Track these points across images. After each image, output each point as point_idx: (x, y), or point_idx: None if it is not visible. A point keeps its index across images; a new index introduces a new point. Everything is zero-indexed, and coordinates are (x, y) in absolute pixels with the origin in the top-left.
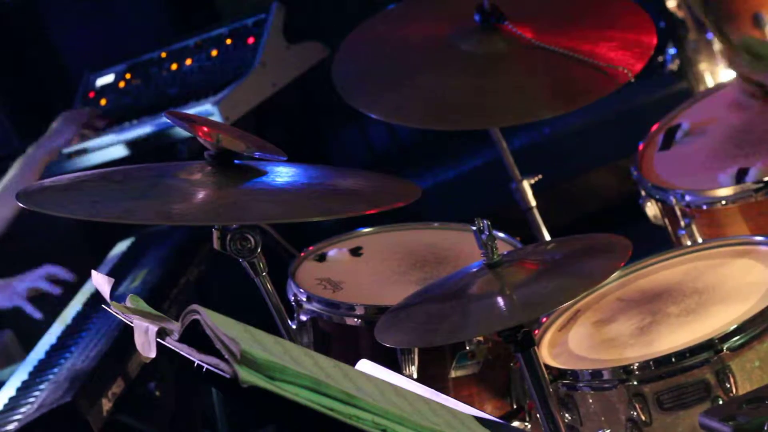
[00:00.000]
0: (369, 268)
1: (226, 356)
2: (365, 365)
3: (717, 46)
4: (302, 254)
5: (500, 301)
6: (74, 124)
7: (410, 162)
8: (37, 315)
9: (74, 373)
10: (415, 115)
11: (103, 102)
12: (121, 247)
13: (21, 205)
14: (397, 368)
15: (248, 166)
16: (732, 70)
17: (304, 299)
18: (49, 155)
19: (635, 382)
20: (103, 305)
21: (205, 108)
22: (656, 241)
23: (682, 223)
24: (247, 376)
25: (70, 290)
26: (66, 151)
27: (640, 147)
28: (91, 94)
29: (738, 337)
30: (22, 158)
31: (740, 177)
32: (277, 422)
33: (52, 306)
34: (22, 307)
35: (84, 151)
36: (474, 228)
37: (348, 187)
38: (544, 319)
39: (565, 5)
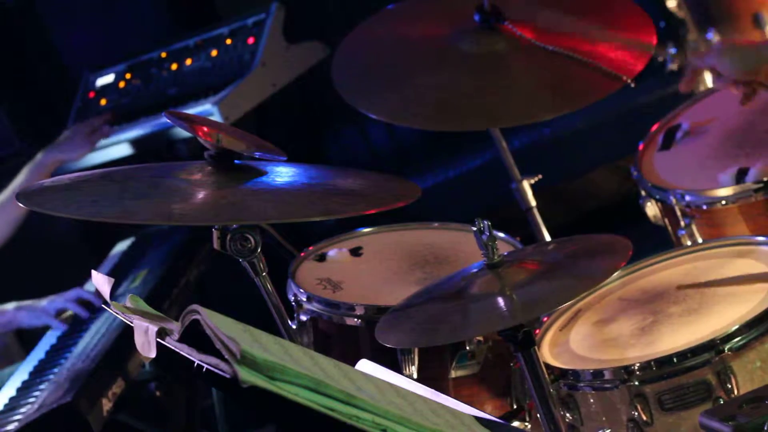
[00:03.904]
0: (369, 268)
1: (226, 356)
2: (365, 365)
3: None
4: (302, 254)
5: (501, 301)
6: (89, 142)
7: (410, 162)
8: (64, 328)
9: (74, 373)
10: (415, 115)
11: (103, 102)
12: (121, 247)
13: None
14: (397, 368)
15: (248, 166)
16: (720, 80)
17: (304, 299)
18: (58, 163)
19: (636, 383)
20: (103, 305)
21: (205, 108)
22: (656, 241)
23: (682, 223)
24: (247, 376)
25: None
26: None
27: (640, 147)
28: (91, 94)
29: (739, 338)
30: (31, 164)
31: (740, 177)
32: (277, 422)
33: None
34: (51, 325)
35: None
36: (474, 229)
37: (348, 187)
38: (545, 319)
39: (565, 5)
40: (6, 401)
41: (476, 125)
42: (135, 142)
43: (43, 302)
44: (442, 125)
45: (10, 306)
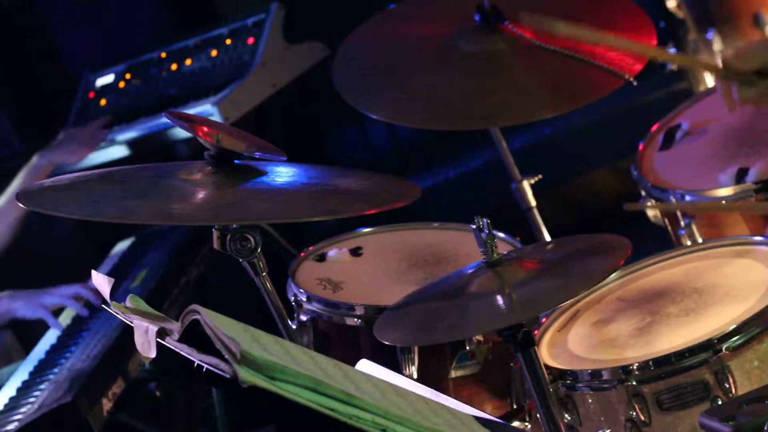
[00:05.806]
0: (369, 268)
1: (226, 356)
2: (365, 365)
3: (717, 45)
4: (302, 254)
5: (500, 299)
6: (85, 146)
7: (410, 162)
8: (60, 328)
9: (74, 373)
10: (415, 115)
11: (103, 102)
12: (121, 247)
13: (23, 207)
14: (397, 368)
15: (248, 166)
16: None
17: (304, 299)
18: (54, 166)
19: (634, 383)
20: (103, 305)
21: (205, 108)
22: (656, 241)
23: (682, 223)
24: (247, 376)
25: None
26: None
27: (640, 147)
28: (91, 94)
29: (737, 337)
30: (26, 168)
31: (740, 177)
32: (277, 422)
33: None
34: (45, 319)
35: None
36: (473, 226)
37: (348, 187)
38: (544, 320)
39: (565, 5)
40: (6, 401)
41: (476, 125)
42: (135, 142)
43: (42, 294)
44: (443, 125)
45: (4, 294)
